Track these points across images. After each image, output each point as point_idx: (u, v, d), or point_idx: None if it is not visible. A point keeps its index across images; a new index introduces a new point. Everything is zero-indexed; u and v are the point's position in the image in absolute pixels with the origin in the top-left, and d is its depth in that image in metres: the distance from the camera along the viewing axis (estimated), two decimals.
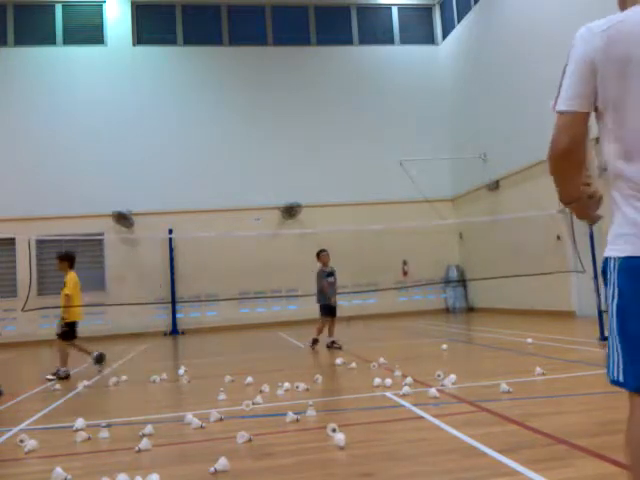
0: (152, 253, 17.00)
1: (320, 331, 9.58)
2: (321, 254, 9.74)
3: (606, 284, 1.82)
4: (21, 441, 4.10)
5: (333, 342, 9.46)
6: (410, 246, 17.77)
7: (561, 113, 1.81)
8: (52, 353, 13.23)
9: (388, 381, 5.59)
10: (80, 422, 4.55)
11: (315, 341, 9.55)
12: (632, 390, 1.74)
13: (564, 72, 1.83)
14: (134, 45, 18.00)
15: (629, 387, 1.74)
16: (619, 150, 1.78)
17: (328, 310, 9.57)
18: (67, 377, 7.89)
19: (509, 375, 5.75)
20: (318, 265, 9.81)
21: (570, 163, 1.83)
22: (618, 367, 1.75)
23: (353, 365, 7.07)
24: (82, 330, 16.27)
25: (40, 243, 16.18)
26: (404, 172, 18.27)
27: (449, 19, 18.96)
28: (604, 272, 1.84)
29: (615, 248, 1.79)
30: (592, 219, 2.01)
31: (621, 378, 1.75)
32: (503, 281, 14.59)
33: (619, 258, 1.76)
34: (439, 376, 5.72)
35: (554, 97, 1.86)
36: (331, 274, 9.62)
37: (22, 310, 8.25)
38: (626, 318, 1.72)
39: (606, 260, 1.83)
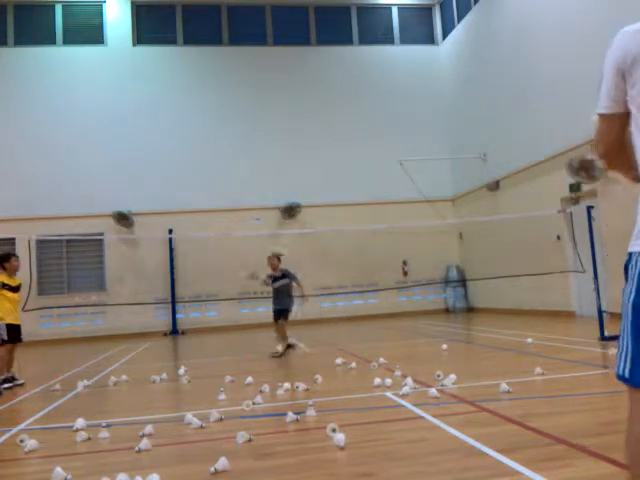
0: (152, 253, 17.01)
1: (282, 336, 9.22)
2: (268, 259, 9.47)
3: (626, 279, 1.82)
4: (21, 441, 4.10)
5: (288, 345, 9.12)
6: (410, 246, 17.78)
7: (599, 116, 1.88)
8: (52, 353, 13.24)
9: (388, 381, 5.60)
10: (80, 422, 4.55)
11: (288, 346, 9.10)
12: (636, 386, 1.74)
13: (602, 75, 1.88)
14: (134, 45, 18.00)
15: (634, 383, 1.74)
16: None
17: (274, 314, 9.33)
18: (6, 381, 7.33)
19: (509, 375, 5.75)
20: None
21: (614, 165, 1.93)
22: (626, 363, 1.76)
23: (353, 365, 7.07)
24: (83, 330, 16.43)
25: (40, 243, 16.19)
26: (404, 172, 18.27)
27: (449, 19, 18.96)
28: (626, 268, 1.84)
29: (638, 243, 1.78)
30: None
31: (627, 374, 1.75)
32: (503, 281, 14.61)
33: None
34: (439, 376, 5.72)
35: (595, 112, 1.93)
36: (276, 279, 9.32)
37: (22, 310, 8.19)
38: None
39: (630, 255, 1.82)
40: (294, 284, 9.38)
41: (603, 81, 1.85)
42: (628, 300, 1.77)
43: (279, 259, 9.48)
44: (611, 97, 1.82)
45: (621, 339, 1.79)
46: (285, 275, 9.35)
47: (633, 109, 1.82)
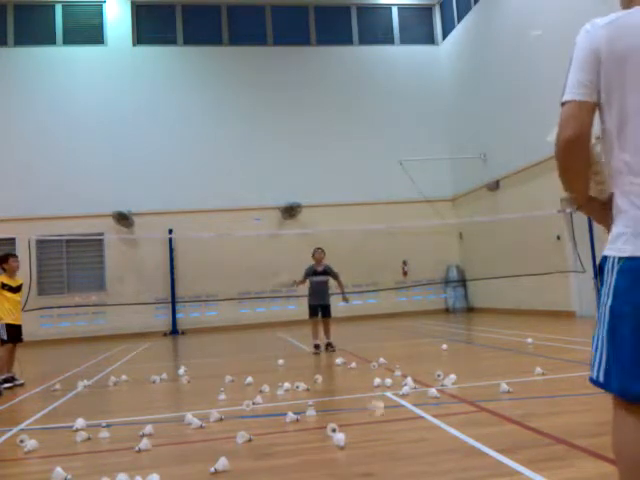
0: (152, 253, 17.01)
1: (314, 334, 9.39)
2: (315, 252, 9.55)
3: (602, 283, 1.81)
4: (21, 441, 4.10)
5: (328, 344, 9.29)
6: (410, 246, 17.78)
7: (566, 103, 1.80)
8: (52, 353, 13.24)
9: (388, 381, 5.59)
10: (80, 422, 4.55)
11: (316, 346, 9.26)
12: (611, 391, 1.73)
13: (568, 66, 1.84)
14: (134, 45, 18.00)
15: (609, 389, 1.73)
16: (620, 145, 1.77)
17: (311, 310, 9.45)
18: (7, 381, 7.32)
19: (509, 375, 5.74)
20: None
21: (576, 155, 1.78)
22: (600, 368, 1.74)
23: (353, 365, 7.07)
24: (83, 330, 16.43)
25: (40, 243, 16.19)
26: (404, 172, 18.27)
27: (449, 19, 18.96)
28: (601, 271, 1.83)
29: (614, 247, 1.76)
30: (609, 225, 1.90)
31: (602, 379, 1.74)
32: (503, 281, 14.62)
33: (618, 258, 1.73)
34: (439, 376, 5.72)
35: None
36: (318, 273, 9.39)
37: (22, 310, 8.18)
38: (617, 320, 1.70)
39: (604, 259, 1.81)
40: (336, 282, 9.53)
41: (571, 70, 1.81)
42: (605, 304, 1.75)
43: (324, 252, 9.53)
44: (581, 84, 1.77)
45: (596, 343, 1.77)
46: (326, 272, 9.40)
47: (602, 98, 1.77)
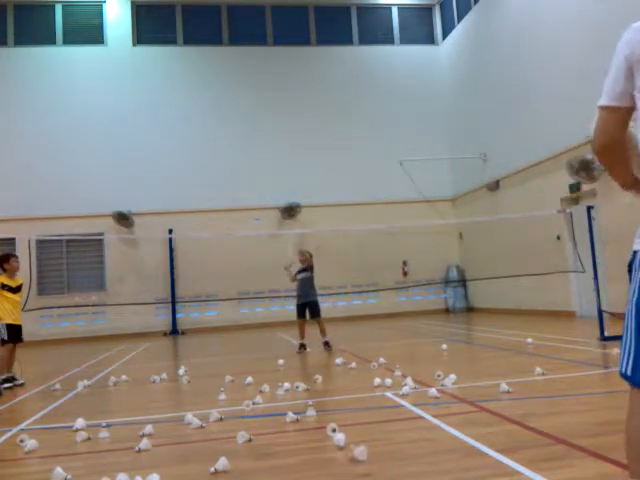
0: (152, 253, 17.01)
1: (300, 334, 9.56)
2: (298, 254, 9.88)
3: (631, 279, 1.82)
4: (21, 441, 4.10)
5: (325, 343, 9.39)
6: (410, 246, 17.77)
7: (602, 108, 1.85)
8: (52, 353, 13.24)
9: (388, 381, 5.59)
10: (80, 422, 4.55)
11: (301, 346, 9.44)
12: (638, 385, 1.76)
13: (607, 69, 1.87)
14: (134, 45, 18.00)
15: (636, 382, 1.76)
16: None
17: (297, 310, 9.64)
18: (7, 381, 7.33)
19: (509, 375, 5.74)
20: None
21: (612, 157, 1.88)
22: (629, 362, 1.77)
23: (353, 365, 7.06)
24: (83, 330, 16.43)
25: (40, 243, 16.19)
26: (404, 172, 18.27)
27: (449, 19, 18.96)
28: (630, 267, 1.84)
29: None
30: None
31: (629, 372, 1.77)
32: (503, 281, 14.61)
33: None
34: (439, 376, 5.72)
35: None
36: (301, 271, 9.65)
37: (22, 310, 8.18)
38: None
39: (634, 254, 1.83)
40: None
41: (609, 74, 1.85)
42: (632, 300, 1.77)
43: (311, 255, 9.79)
44: (616, 90, 1.81)
45: (624, 338, 1.80)
46: (306, 269, 9.64)
47: (639, 103, 1.81)
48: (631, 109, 1.83)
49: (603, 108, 1.84)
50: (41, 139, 16.87)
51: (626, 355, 1.78)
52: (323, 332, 9.44)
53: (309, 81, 18.51)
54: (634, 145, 1.90)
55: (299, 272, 9.67)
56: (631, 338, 1.76)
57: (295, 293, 9.94)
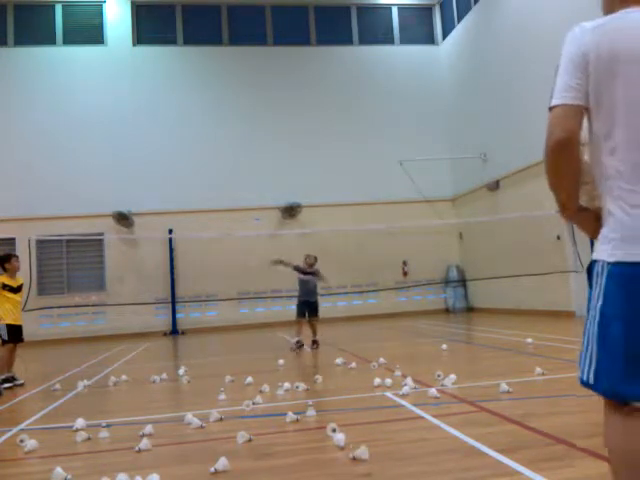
0: (152, 253, 17.01)
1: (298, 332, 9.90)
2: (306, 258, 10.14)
3: (591, 286, 1.80)
4: (21, 441, 4.10)
5: (314, 342, 9.78)
6: (410, 246, 17.78)
7: (554, 107, 1.78)
8: (52, 353, 13.24)
9: (388, 381, 5.59)
10: (80, 422, 4.55)
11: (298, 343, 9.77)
12: (600, 393, 1.74)
13: (556, 71, 1.83)
14: (134, 45, 18.00)
15: (598, 390, 1.74)
16: (609, 149, 1.75)
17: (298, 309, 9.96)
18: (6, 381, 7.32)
19: (509, 375, 5.75)
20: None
21: (565, 158, 1.75)
22: (590, 369, 1.74)
23: (353, 365, 7.07)
24: (83, 330, 16.43)
25: (40, 243, 16.20)
26: (404, 172, 18.27)
27: (449, 19, 18.96)
28: (589, 273, 1.83)
29: (604, 252, 1.76)
30: (596, 235, 1.86)
31: (592, 380, 1.74)
32: (503, 281, 14.62)
33: (607, 263, 1.73)
34: (439, 376, 5.72)
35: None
36: (307, 273, 9.94)
37: (22, 310, 8.18)
38: (608, 323, 1.70)
39: (593, 262, 1.81)
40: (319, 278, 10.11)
41: (559, 74, 1.81)
42: (595, 306, 1.75)
43: (315, 259, 10.14)
44: (569, 88, 1.76)
45: (585, 345, 1.77)
46: (314, 273, 9.98)
47: (591, 102, 1.76)
48: (584, 111, 1.77)
49: (557, 107, 1.76)
50: (41, 139, 16.87)
51: (587, 362, 1.75)
52: (315, 332, 9.85)
53: (309, 81, 18.51)
54: (585, 171, 1.84)
55: (305, 273, 9.91)
56: (593, 344, 1.73)
57: (294, 293, 10.18)
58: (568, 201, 1.84)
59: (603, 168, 1.78)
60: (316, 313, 9.93)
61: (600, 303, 1.74)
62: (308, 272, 9.92)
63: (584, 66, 1.75)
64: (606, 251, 1.75)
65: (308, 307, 9.84)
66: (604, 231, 1.78)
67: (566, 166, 1.76)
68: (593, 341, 1.74)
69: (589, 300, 1.81)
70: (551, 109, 1.78)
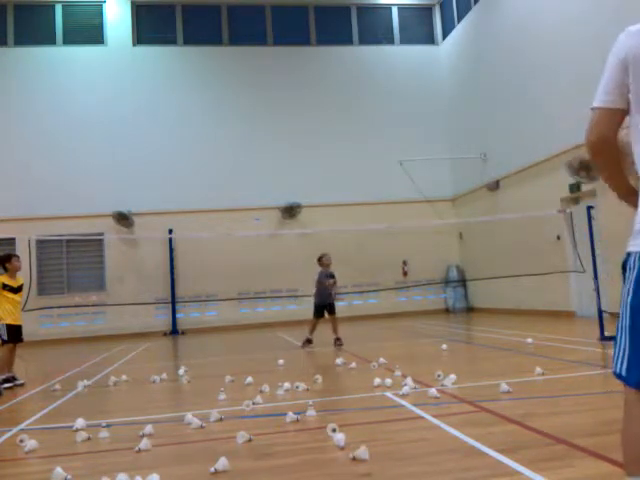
0: (152, 253, 17.01)
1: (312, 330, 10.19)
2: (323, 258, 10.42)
3: (624, 280, 1.82)
4: (21, 441, 4.10)
5: (337, 339, 9.97)
6: (410, 246, 17.77)
7: (594, 109, 1.87)
8: (52, 353, 13.24)
9: (388, 381, 5.59)
10: (80, 422, 4.55)
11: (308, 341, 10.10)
12: (632, 385, 1.77)
13: (603, 73, 1.90)
14: (134, 45, 18.00)
15: (630, 383, 1.77)
16: None
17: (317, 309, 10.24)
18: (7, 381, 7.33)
19: (509, 375, 5.75)
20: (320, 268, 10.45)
21: (603, 156, 1.88)
22: (623, 362, 1.78)
23: (353, 365, 7.07)
24: (83, 330, 16.42)
25: (40, 243, 16.19)
26: (404, 172, 18.27)
27: (449, 19, 18.96)
28: (623, 267, 1.85)
29: (637, 243, 1.79)
30: None
31: (624, 373, 1.77)
32: (503, 281, 14.61)
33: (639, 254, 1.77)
34: (439, 376, 5.72)
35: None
36: (331, 276, 10.31)
37: (22, 310, 8.18)
38: (637, 316, 1.73)
39: (627, 255, 1.83)
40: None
41: (603, 77, 1.87)
42: (626, 301, 1.78)
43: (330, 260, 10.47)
44: (608, 91, 1.83)
45: (618, 338, 1.81)
46: (334, 275, 10.36)
47: (633, 108, 1.82)
48: (624, 111, 1.84)
49: (596, 109, 1.86)
50: (41, 139, 16.87)
51: (620, 354, 1.79)
52: (336, 329, 10.06)
53: (309, 81, 18.51)
54: (627, 153, 1.91)
55: (329, 276, 10.23)
56: (625, 337, 1.77)
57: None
58: (619, 188, 1.97)
59: (637, 158, 1.86)
60: (334, 311, 10.22)
61: (630, 297, 1.77)
62: (331, 275, 10.26)
63: (625, 67, 1.82)
64: (638, 243, 1.79)
65: (327, 307, 10.14)
66: (636, 224, 1.81)
67: (605, 162, 1.92)
68: (625, 335, 1.78)
69: (621, 295, 1.84)
70: (592, 109, 1.89)
